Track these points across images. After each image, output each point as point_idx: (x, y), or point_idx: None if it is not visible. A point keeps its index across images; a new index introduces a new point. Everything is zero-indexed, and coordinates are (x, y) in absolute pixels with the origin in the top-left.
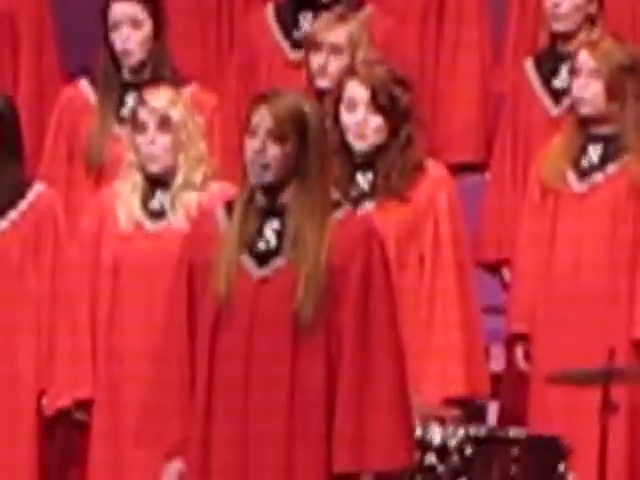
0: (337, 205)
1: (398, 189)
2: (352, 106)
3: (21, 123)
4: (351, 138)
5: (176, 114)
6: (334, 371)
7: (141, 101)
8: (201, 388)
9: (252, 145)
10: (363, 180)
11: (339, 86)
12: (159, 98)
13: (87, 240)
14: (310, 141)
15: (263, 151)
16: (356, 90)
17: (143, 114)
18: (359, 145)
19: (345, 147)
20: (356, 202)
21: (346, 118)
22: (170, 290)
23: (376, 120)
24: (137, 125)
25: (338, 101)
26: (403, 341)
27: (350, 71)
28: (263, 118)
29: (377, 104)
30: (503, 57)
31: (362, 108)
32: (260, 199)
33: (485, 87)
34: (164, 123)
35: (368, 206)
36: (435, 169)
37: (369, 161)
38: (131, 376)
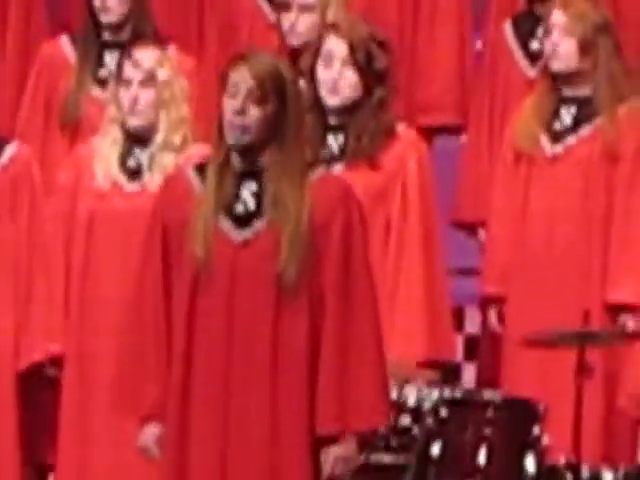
0: (312, 165)
1: (368, 152)
2: (328, 60)
3: None
4: (324, 93)
5: (162, 73)
6: (317, 331)
7: (128, 56)
8: (179, 351)
9: (232, 105)
10: (334, 141)
11: (318, 40)
12: (147, 56)
13: (63, 194)
14: (289, 102)
15: (243, 112)
16: (334, 44)
17: (129, 70)
18: (332, 100)
19: (318, 105)
20: (326, 163)
21: (321, 73)
22: (143, 249)
23: (351, 76)
24: (122, 80)
25: (316, 56)
26: None
27: (330, 25)
28: (244, 78)
29: (354, 60)
30: (486, 21)
31: (338, 63)
32: (236, 161)
33: (463, 52)
34: (149, 80)
35: (337, 168)
36: (406, 133)
37: (341, 122)
38: (102, 326)
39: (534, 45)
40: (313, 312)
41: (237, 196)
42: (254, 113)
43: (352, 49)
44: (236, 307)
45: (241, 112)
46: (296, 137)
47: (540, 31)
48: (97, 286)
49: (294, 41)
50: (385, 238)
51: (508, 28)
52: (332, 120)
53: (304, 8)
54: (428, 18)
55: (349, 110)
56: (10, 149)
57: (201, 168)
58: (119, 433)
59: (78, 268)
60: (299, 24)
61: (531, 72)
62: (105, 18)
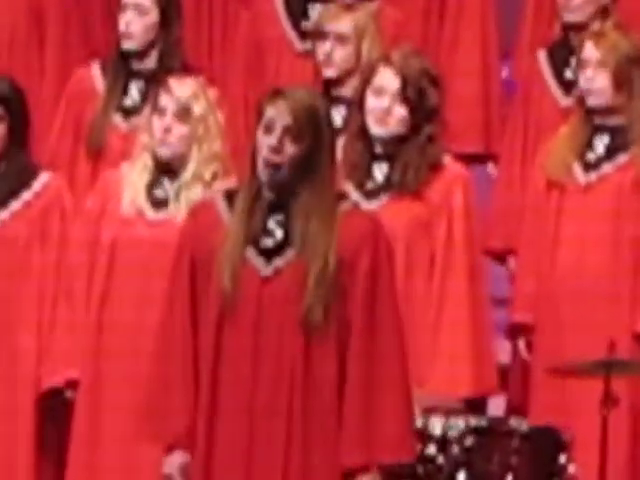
0: (341, 198)
1: (413, 185)
2: (380, 92)
3: (28, 110)
4: (372, 122)
5: (197, 107)
6: (344, 363)
7: (165, 87)
8: (206, 385)
9: (268, 142)
10: (379, 171)
11: (369, 70)
12: (183, 88)
13: (88, 220)
14: (324, 139)
15: (279, 149)
16: (387, 78)
17: (164, 100)
18: (378, 130)
19: (365, 134)
20: (370, 195)
21: (371, 102)
22: (171, 278)
23: (401, 111)
24: (156, 109)
25: (365, 85)
26: (412, 342)
27: (383, 58)
28: (281, 115)
29: (405, 95)
30: (518, 50)
31: (389, 96)
32: (267, 194)
33: (489, 81)
34: (183, 113)
35: (382, 199)
36: (452, 165)
37: (387, 152)
38: (119, 351)
39: (568, 74)
40: (340, 345)
41: (265, 228)
42: (290, 151)
43: (404, 85)
44: (262, 339)
45: (277, 149)
46: (328, 173)
47: (574, 61)
48: (115, 311)
49: (329, 72)
50: (429, 270)
51: (543, 57)
52: (378, 149)
53: (340, 38)
54: (451, 47)
55: (396, 141)
56: (43, 177)
57: (230, 197)
58: (130, 459)
59: (98, 292)
60: (335, 55)
61: (565, 101)
62: (127, 44)
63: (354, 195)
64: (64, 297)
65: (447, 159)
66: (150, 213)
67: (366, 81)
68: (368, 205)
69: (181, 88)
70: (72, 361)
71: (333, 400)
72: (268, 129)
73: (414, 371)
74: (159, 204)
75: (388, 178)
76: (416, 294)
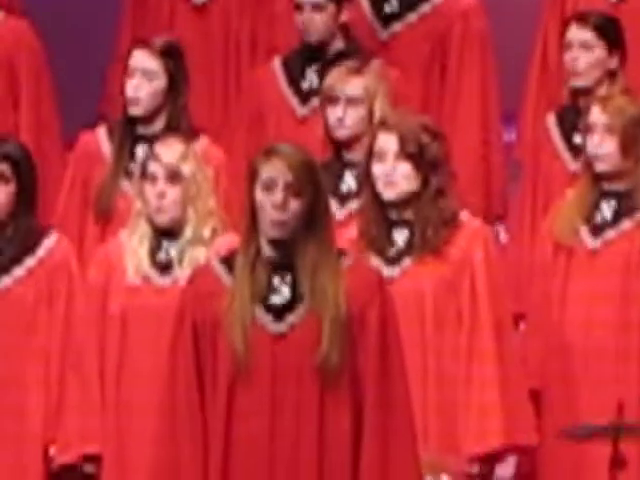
0: (341, 252)
1: (434, 244)
2: (382, 156)
3: (37, 174)
4: (381, 187)
5: (186, 168)
6: (359, 417)
7: (152, 154)
8: (217, 448)
9: (270, 200)
10: (399, 237)
11: (371, 139)
12: (170, 152)
13: (94, 292)
14: (322, 193)
15: (284, 207)
16: (385, 139)
17: (153, 167)
18: (388, 193)
19: (378, 201)
20: (392, 261)
21: (376, 168)
22: (172, 351)
23: (404, 167)
24: (147, 176)
25: (370, 153)
26: (443, 398)
27: (379, 123)
28: (280, 172)
29: (405, 152)
30: (523, 111)
31: (391, 157)
32: (269, 252)
33: (487, 139)
34: (174, 176)
35: (405, 263)
36: (470, 221)
37: (403, 216)
38: (139, 430)
39: (577, 139)
40: (355, 401)
41: (271, 287)
42: (294, 207)
43: (402, 142)
44: (278, 399)
45: (282, 207)
46: (329, 226)
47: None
48: (132, 383)
49: (341, 134)
50: (457, 329)
51: (551, 121)
52: (393, 215)
53: (351, 102)
54: (452, 103)
55: (408, 203)
56: (50, 240)
57: (227, 261)
58: None
59: (112, 364)
60: (347, 118)
61: (573, 166)
62: (134, 110)
63: (374, 262)
64: (74, 374)
65: (464, 215)
66: (156, 278)
67: (370, 149)
68: (390, 271)
69: (168, 152)
70: (89, 437)
71: (348, 453)
72: (269, 187)
73: (441, 425)
74: (164, 268)
75: (409, 241)
76: (447, 349)
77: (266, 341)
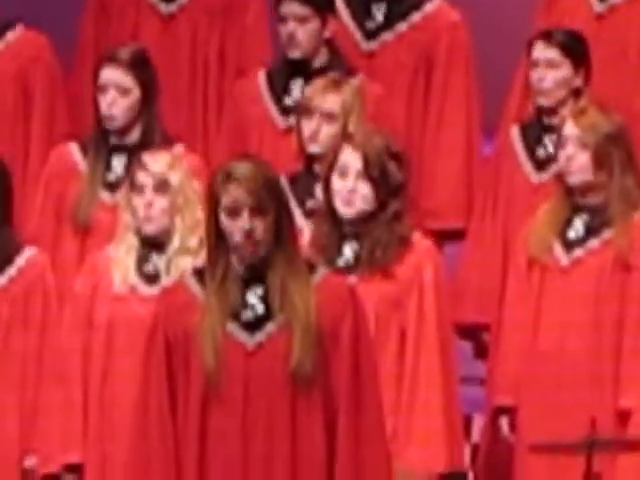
0: (311, 266)
1: (381, 263)
2: (344, 172)
3: (12, 185)
4: (338, 204)
5: (174, 178)
6: (331, 427)
7: (140, 164)
8: (190, 463)
9: (238, 227)
10: (349, 250)
11: (334, 151)
12: (158, 162)
13: (79, 302)
14: (286, 205)
15: (252, 231)
16: (349, 157)
17: (141, 177)
18: (345, 211)
19: (333, 215)
20: (341, 273)
21: (337, 184)
22: (145, 367)
23: (365, 189)
24: (135, 187)
25: (332, 166)
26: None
27: (346, 137)
28: (243, 197)
29: (368, 174)
30: (504, 126)
31: (353, 175)
32: (239, 269)
33: (471, 158)
34: (162, 186)
35: (351, 278)
36: (421, 241)
37: (355, 231)
38: (123, 439)
39: (540, 152)
40: (327, 413)
41: (243, 302)
42: (261, 228)
43: (367, 163)
44: (251, 414)
45: (250, 232)
46: (294, 236)
47: (547, 138)
48: (116, 391)
49: (314, 148)
50: (399, 348)
51: (515, 133)
52: (347, 229)
53: (326, 116)
54: (436, 125)
55: (364, 220)
56: (27, 253)
57: (200, 274)
58: None
59: (97, 373)
60: (321, 132)
61: (535, 177)
62: (110, 126)
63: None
64: (57, 381)
65: (416, 235)
66: (143, 288)
67: (332, 162)
68: None
69: (156, 163)
70: (70, 446)
71: (323, 466)
72: (233, 212)
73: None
74: (151, 279)
75: (357, 256)
76: (387, 371)
77: (239, 356)
